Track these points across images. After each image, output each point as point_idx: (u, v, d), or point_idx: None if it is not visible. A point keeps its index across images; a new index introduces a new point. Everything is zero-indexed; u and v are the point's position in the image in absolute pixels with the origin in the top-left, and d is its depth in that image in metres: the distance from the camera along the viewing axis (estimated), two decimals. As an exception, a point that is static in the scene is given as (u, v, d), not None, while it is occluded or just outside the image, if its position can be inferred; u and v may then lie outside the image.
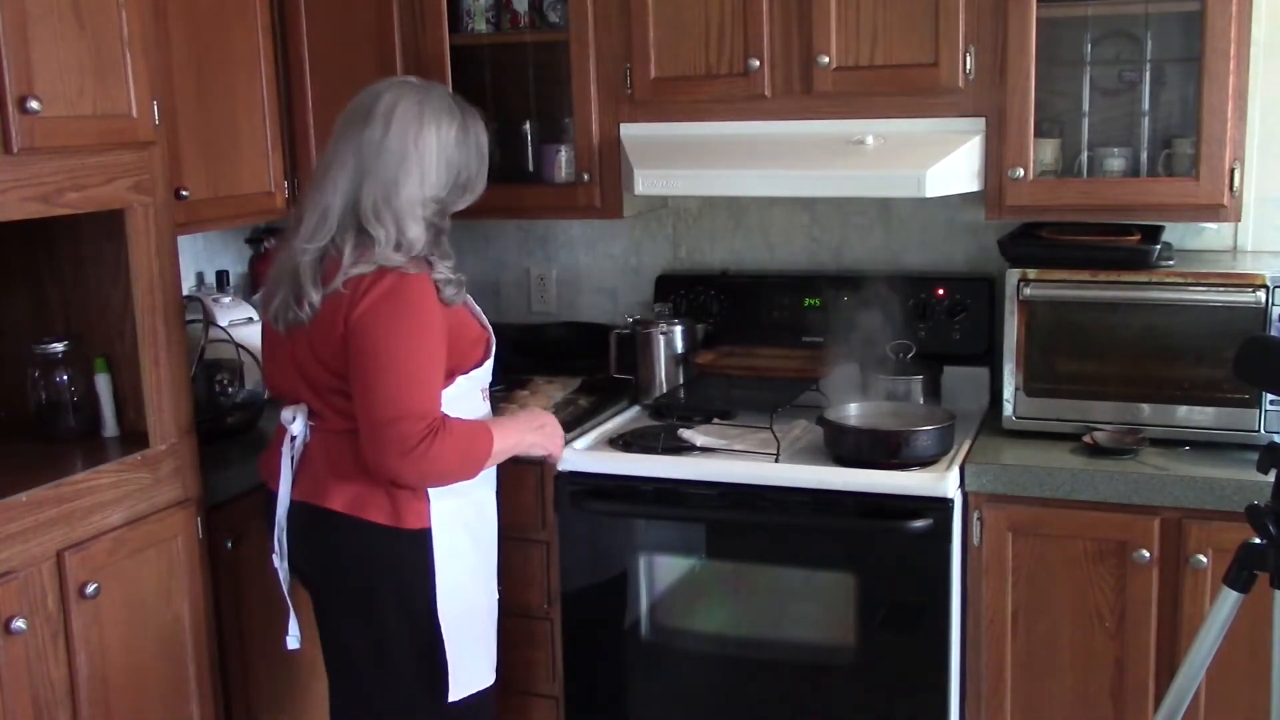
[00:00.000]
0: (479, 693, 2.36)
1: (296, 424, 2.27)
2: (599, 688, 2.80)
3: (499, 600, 2.45)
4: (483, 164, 2.33)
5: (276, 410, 3.01)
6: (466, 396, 2.31)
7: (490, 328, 2.40)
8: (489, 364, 2.39)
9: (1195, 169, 2.51)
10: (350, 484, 2.22)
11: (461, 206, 2.33)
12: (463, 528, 2.30)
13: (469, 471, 2.22)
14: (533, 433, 2.41)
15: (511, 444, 2.33)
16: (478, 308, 2.40)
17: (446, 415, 2.17)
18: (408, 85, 2.29)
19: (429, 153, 2.21)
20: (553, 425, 2.48)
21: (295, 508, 2.30)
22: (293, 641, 2.42)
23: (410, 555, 2.24)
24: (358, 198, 2.18)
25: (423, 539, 2.23)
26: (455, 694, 2.29)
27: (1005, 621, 2.53)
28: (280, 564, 2.35)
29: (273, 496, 2.33)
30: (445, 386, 2.22)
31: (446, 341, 2.20)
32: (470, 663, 2.32)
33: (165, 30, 2.64)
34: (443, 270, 2.21)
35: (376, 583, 2.26)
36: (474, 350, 2.32)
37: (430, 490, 2.23)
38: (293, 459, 2.29)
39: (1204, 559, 2.36)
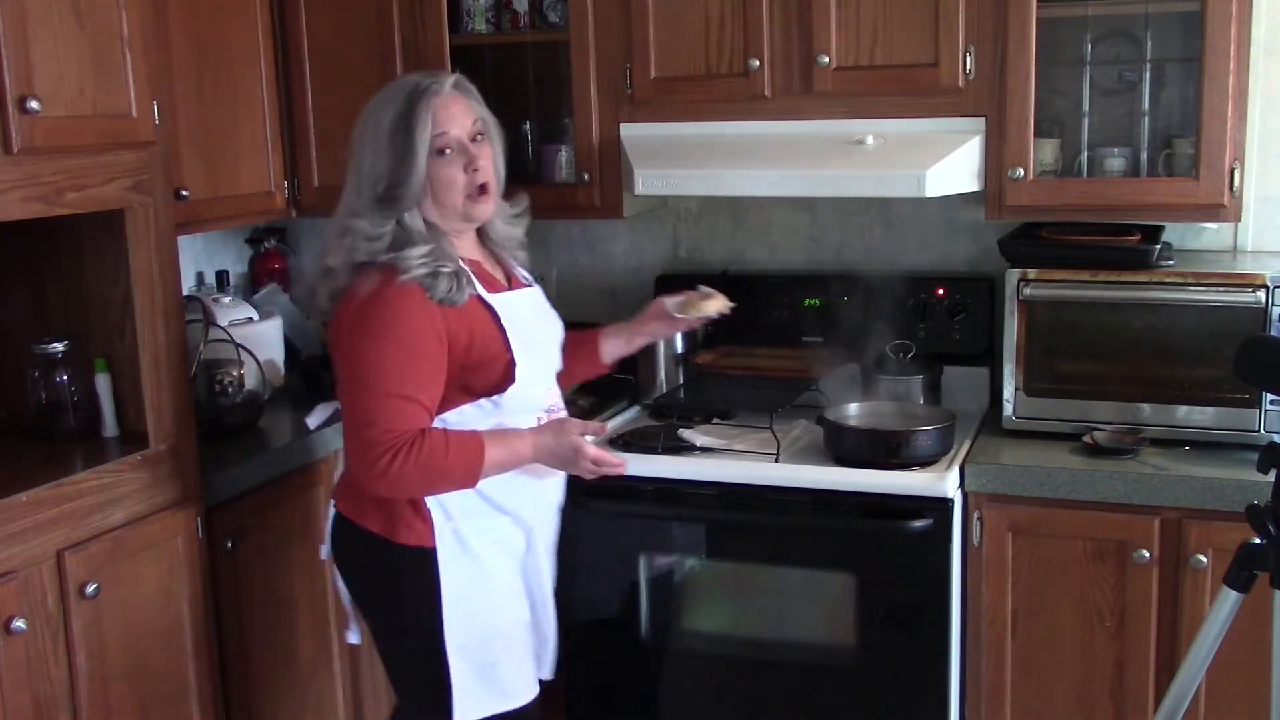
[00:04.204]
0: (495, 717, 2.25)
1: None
2: (599, 688, 2.80)
3: (544, 614, 2.34)
4: (397, 157, 2.11)
5: (277, 410, 3.04)
6: (491, 422, 2.18)
7: (514, 349, 2.17)
8: (517, 390, 2.18)
9: (1195, 169, 2.51)
10: (349, 486, 2.23)
11: (401, 195, 2.12)
12: (489, 550, 2.20)
13: (446, 487, 2.11)
14: (553, 449, 2.17)
15: (515, 456, 2.15)
16: (517, 320, 2.21)
17: (428, 430, 2.06)
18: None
19: (362, 139, 2.15)
20: (575, 449, 2.16)
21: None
22: (353, 636, 2.42)
23: (410, 573, 2.17)
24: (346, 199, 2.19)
25: (424, 559, 2.16)
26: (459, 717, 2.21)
27: (1005, 621, 2.53)
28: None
29: None
30: (460, 404, 2.15)
31: (437, 348, 2.08)
32: (478, 687, 2.22)
33: (165, 30, 2.64)
34: (413, 263, 2.07)
35: (380, 593, 2.24)
36: (489, 369, 2.16)
37: (433, 511, 2.15)
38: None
39: (1204, 559, 2.36)
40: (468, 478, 2.11)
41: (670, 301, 2.46)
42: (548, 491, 2.32)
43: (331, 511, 2.30)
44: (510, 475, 2.19)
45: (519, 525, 2.26)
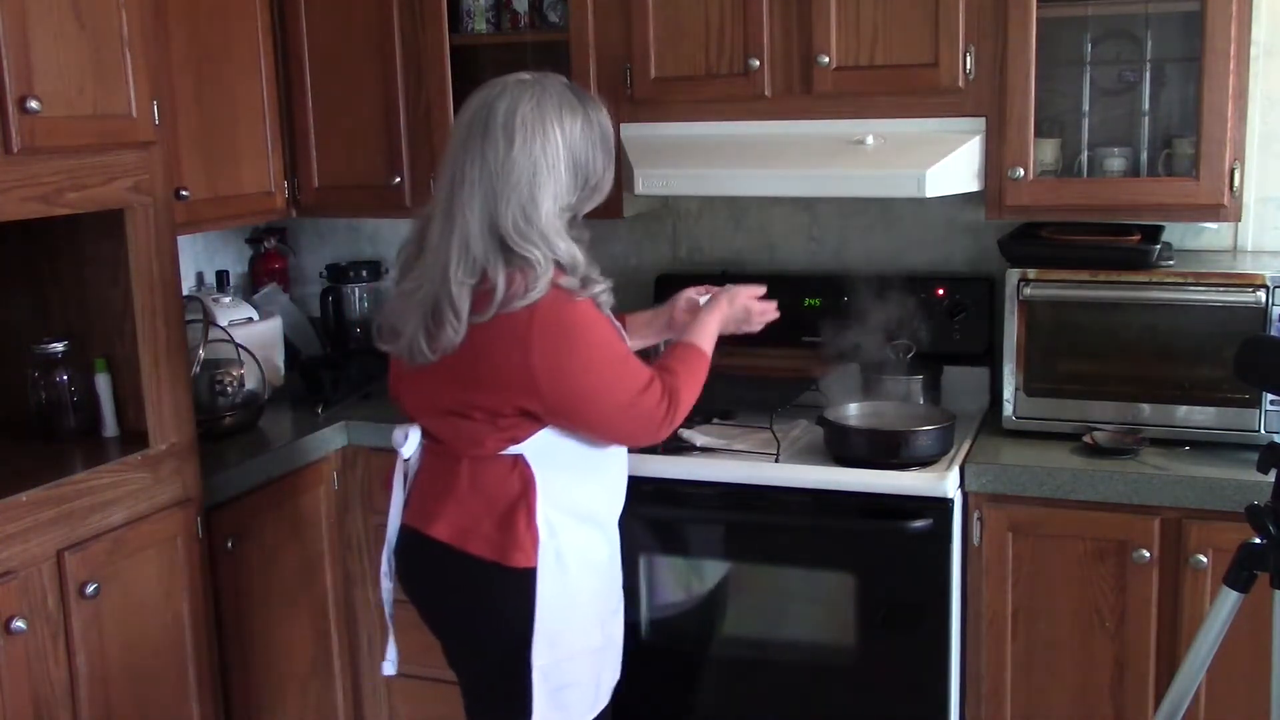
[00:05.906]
0: None
1: (407, 445, 2.20)
2: (599, 688, 2.79)
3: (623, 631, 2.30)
4: (609, 158, 2.14)
5: (277, 410, 3.05)
6: (564, 450, 2.13)
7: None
8: None
9: (1195, 169, 2.51)
10: (454, 513, 2.14)
11: (590, 208, 2.16)
12: (579, 567, 2.15)
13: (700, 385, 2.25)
14: (730, 316, 2.37)
15: (714, 337, 2.32)
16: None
17: (660, 372, 2.14)
18: (521, 85, 2.07)
19: (558, 160, 2.04)
20: (748, 310, 2.39)
21: (403, 531, 2.23)
22: (389, 667, 2.37)
23: (511, 595, 2.11)
24: (496, 222, 2.01)
25: (527, 579, 2.10)
26: None
27: (1005, 621, 2.53)
28: (387, 585, 2.32)
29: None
30: (533, 431, 2.09)
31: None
32: (559, 707, 2.17)
33: (165, 30, 2.64)
34: (599, 288, 2.11)
35: (476, 618, 2.17)
36: None
37: (540, 529, 2.10)
38: (405, 479, 2.24)
39: (1204, 559, 2.36)
40: (705, 371, 2.26)
41: (703, 298, 2.44)
42: (622, 491, 2.29)
43: (417, 539, 2.18)
44: (604, 486, 2.21)
45: (604, 534, 2.22)
